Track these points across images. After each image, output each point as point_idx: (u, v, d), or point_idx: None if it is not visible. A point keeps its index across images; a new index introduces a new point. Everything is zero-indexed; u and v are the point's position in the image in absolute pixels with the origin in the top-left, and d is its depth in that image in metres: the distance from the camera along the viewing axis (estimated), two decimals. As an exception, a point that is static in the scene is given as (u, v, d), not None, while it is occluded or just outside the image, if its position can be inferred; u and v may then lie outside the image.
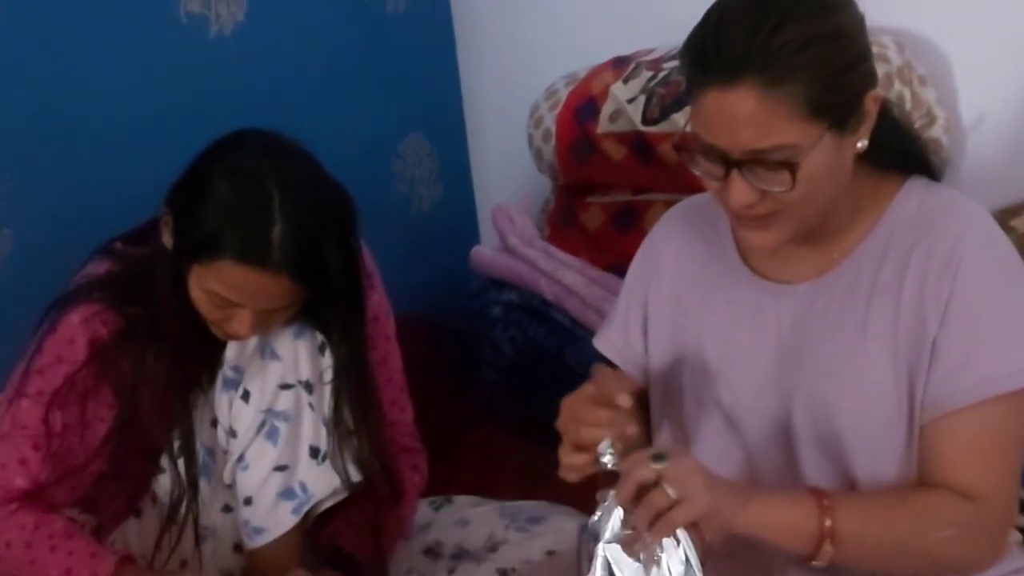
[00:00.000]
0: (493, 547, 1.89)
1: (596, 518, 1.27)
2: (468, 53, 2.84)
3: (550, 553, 1.83)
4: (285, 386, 1.69)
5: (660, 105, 2.27)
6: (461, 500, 2.06)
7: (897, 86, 2.07)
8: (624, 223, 2.41)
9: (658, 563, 1.23)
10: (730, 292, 1.49)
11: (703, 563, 1.24)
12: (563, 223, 2.54)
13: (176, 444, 1.69)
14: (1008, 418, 1.34)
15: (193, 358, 1.68)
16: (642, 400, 1.57)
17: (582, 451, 1.33)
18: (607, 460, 1.30)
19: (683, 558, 1.23)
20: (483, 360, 2.55)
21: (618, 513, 1.26)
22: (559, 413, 1.37)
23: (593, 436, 1.31)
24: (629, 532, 1.25)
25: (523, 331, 2.45)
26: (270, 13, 2.36)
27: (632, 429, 1.34)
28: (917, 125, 2.07)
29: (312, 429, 1.71)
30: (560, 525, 1.90)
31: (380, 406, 1.77)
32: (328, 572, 1.73)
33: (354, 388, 1.71)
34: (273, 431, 1.69)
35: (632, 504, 1.25)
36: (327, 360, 1.71)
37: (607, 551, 1.25)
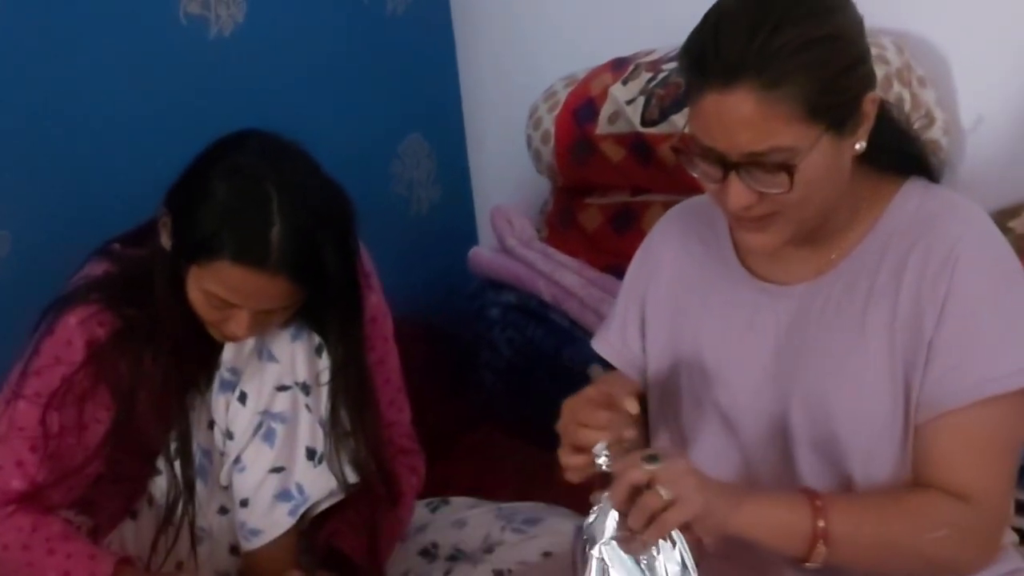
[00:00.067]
0: (489, 548, 1.89)
1: (591, 520, 1.27)
2: (467, 54, 2.84)
3: (546, 554, 1.83)
4: (282, 388, 1.69)
5: (659, 106, 2.27)
6: (457, 501, 2.06)
7: (896, 87, 2.07)
8: (622, 224, 2.41)
9: (653, 565, 1.23)
10: (728, 293, 1.49)
11: (698, 564, 1.24)
12: (561, 224, 2.54)
13: (173, 446, 1.69)
14: (1003, 419, 1.34)
15: (190, 360, 1.68)
16: (641, 403, 1.57)
17: (581, 453, 1.33)
18: (602, 462, 1.30)
19: (679, 559, 1.23)
20: (481, 361, 2.55)
21: (613, 515, 1.26)
22: (560, 415, 1.37)
23: (591, 438, 1.31)
24: (625, 533, 1.25)
25: (521, 332, 2.45)
26: (270, 14, 2.36)
27: (630, 432, 1.34)
28: (916, 126, 2.07)
29: (309, 431, 1.70)
30: (556, 526, 1.90)
31: (377, 407, 1.77)
32: (324, 574, 1.73)
33: (351, 389, 1.71)
34: (270, 433, 1.69)
35: (626, 506, 1.25)
36: (324, 362, 1.70)
37: (602, 552, 1.25)
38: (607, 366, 1.61)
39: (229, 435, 1.70)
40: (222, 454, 1.72)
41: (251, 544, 1.72)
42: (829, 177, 1.32)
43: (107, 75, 2.10)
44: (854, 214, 1.41)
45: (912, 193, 1.42)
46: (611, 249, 2.39)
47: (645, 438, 1.56)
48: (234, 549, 1.77)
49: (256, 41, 2.34)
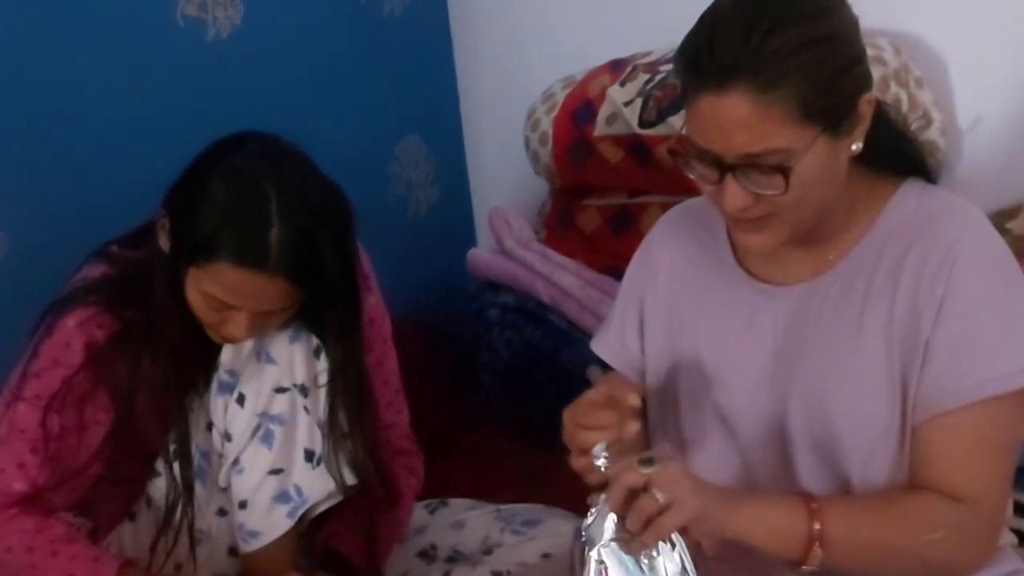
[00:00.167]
0: (488, 550, 1.89)
1: (589, 521, 1.27)
2: (465, 56, 2.84)
3: (545, 556, 1.83)
4: (280, 390, 1.69)
5: (657, 108, 2.27)
6: (456, 503, 2.06)
7: (894, 88, 2.07)
8: (620, 225, 2.41)
9: (653, 567, 1.24)
10: (725, 294, 1.49)
11: (697, 567, 1.24)
12: (559, 226, 2.54)
13: (172, 447, 1.69)
14: (1000, 419, 1.34)
15: (189, 361, 1.68)
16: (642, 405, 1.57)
17: (586, 455, 1.33)
18: (601, 463, 1.30)
19: (678, 562, 1.23)
20: (479, 362, 2.55)
21: (612, 516, 1.26)
22: (562, 423, 1.37)
23: (591, 439, 1.32)
24: (624, 535, 1.25)
25: (519, 333, 2.45)
26: (267, 16, 2.36)
27: (634, 427, 1.34)
28: (914, 127, 2.07)
29: (307, 432, 1.70)
30: (555, 528, 1.90)
31: (375, 409, 1.77)
32: (323, 575, 1.73)
33: (349, 391, 1.71)
34: (268, 435, 1.69)
35: (623, 509, 1.25)
36: (322, 363, 1.70)
37: (601, 555, 1.25)
38: (605, 367, 1.61)
39: (227, 437, 1.70)
40: (220, 456, 1.72)
41: (250, 546, 1.72)
42: (825, 178, 1.32)
43: (104, 77, 2.10)
44: (851, 215, 1.41)
45: (909, 194, 1.42)
46: (609, 250, 2.39)
47: (647, 434, 1.56)
48: (233, 551, 1.77)
49: (253, 43, 2.34)
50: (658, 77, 2.29)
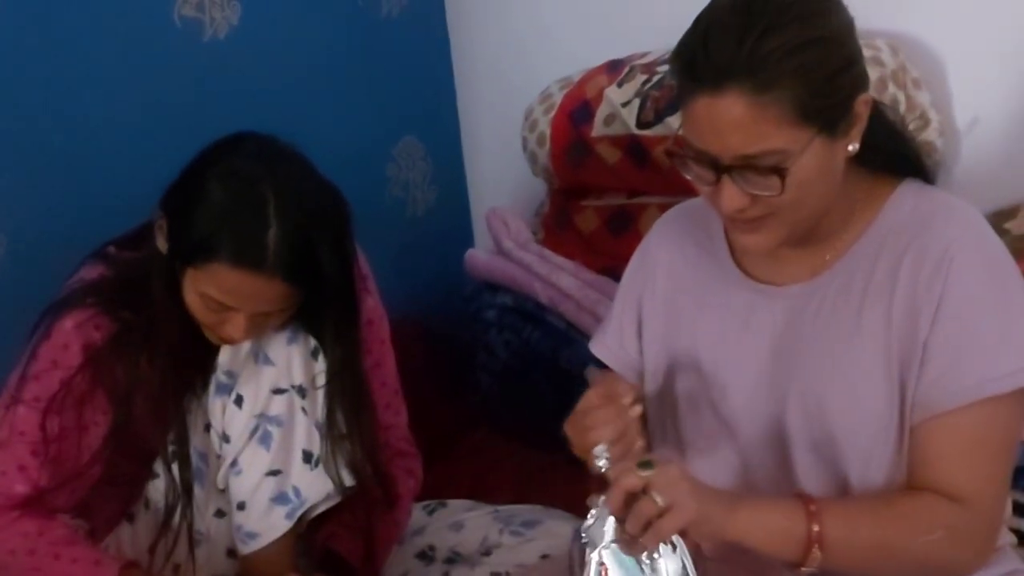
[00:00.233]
0: (487, 551, 1.89)
1: (589, 523, 1.27)
2: (462, 56, 2.84)
3: (544, 557, 1.83)
4: (278, 391, 1.69)
5: (654, 108, 2.27)
6: (455, 504, 2.06)
7: (891, 89, 2.07)
8: (618, 226, 2.41)
9: (654, 568, 1.24)
10: (723, 295, 1.49)
11: (698, 568, 1.24)
12: (557, 226, 2.54)
13: (170, 449, 1.69)
14: (999, 420, 1.34)
15: (187, 363, 1.68)
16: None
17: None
18: (602, 464, 1.30)
19: (679, 564, 1.23)
20: (478, 363, 2.55)
21: (612, 519, 1.26)
22: (568, 437, 1.36)
23: (597, 437, 1.32)
24: (625, 536, 1.25)
25: (517, 334, 2.45)
26: (264, 17, 2.36)
27: (636, 411, 1.35)
28: (911, 128, 2.06)
29: (305, 434, 1.70)
30: (554, 529, 1.90)
31: (374, 410, 1.77)
32: (321, 576, 1.73)
33: (348, 392, 1.71)
34: (266, 436, 1.69)
35: (622, 512, 1.25)
36: (320, 365, 1.70)
37: (602, 556, 1.25)
38: (604, 369, 1.61)
39: (225, 438, 1.70)
40: (219, 457, 1.72)
41: (248, 547, 1.72)
42: (822, 179, 1.32)
43: (101, 77, 2.10)
44: (849, 215, 1.41)
45: (907, 194, 1.42)
46: (607, 251, 2.39)
47: (647, 434, 1.56)
48: (231, 552, 1.77)
49: (251, 43, 2.34)
50: (656, 78, 2.29)
